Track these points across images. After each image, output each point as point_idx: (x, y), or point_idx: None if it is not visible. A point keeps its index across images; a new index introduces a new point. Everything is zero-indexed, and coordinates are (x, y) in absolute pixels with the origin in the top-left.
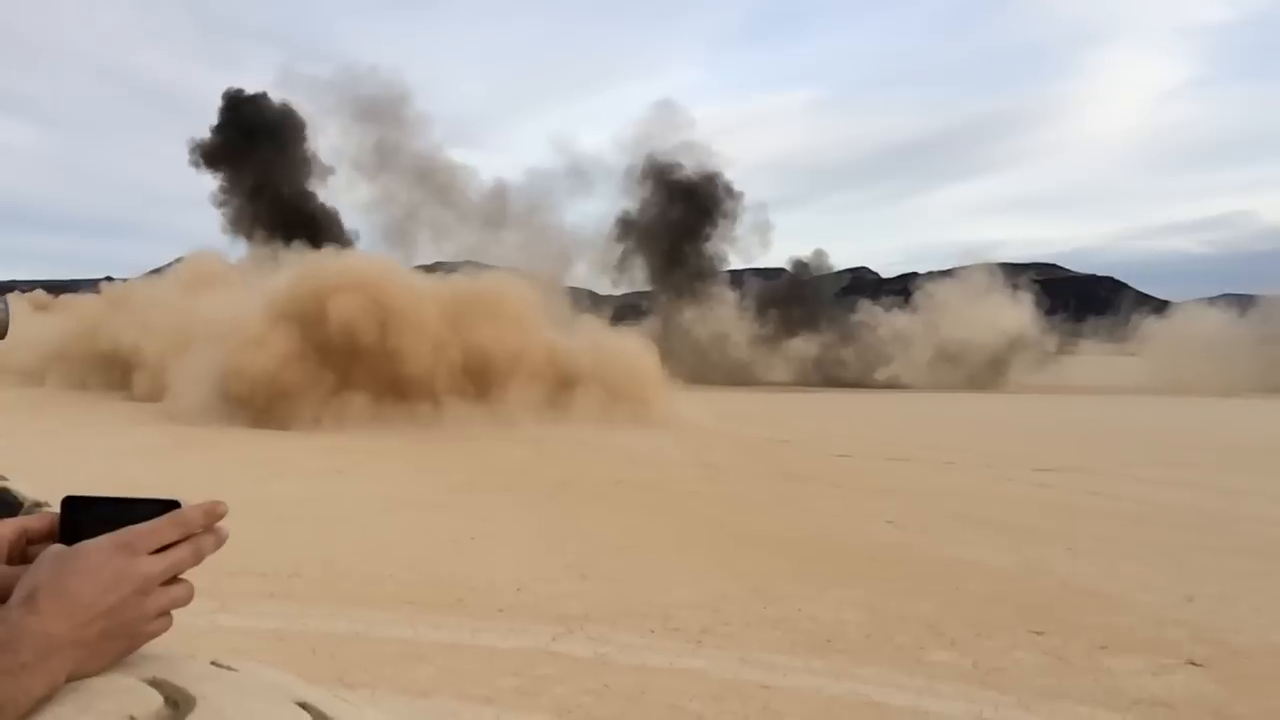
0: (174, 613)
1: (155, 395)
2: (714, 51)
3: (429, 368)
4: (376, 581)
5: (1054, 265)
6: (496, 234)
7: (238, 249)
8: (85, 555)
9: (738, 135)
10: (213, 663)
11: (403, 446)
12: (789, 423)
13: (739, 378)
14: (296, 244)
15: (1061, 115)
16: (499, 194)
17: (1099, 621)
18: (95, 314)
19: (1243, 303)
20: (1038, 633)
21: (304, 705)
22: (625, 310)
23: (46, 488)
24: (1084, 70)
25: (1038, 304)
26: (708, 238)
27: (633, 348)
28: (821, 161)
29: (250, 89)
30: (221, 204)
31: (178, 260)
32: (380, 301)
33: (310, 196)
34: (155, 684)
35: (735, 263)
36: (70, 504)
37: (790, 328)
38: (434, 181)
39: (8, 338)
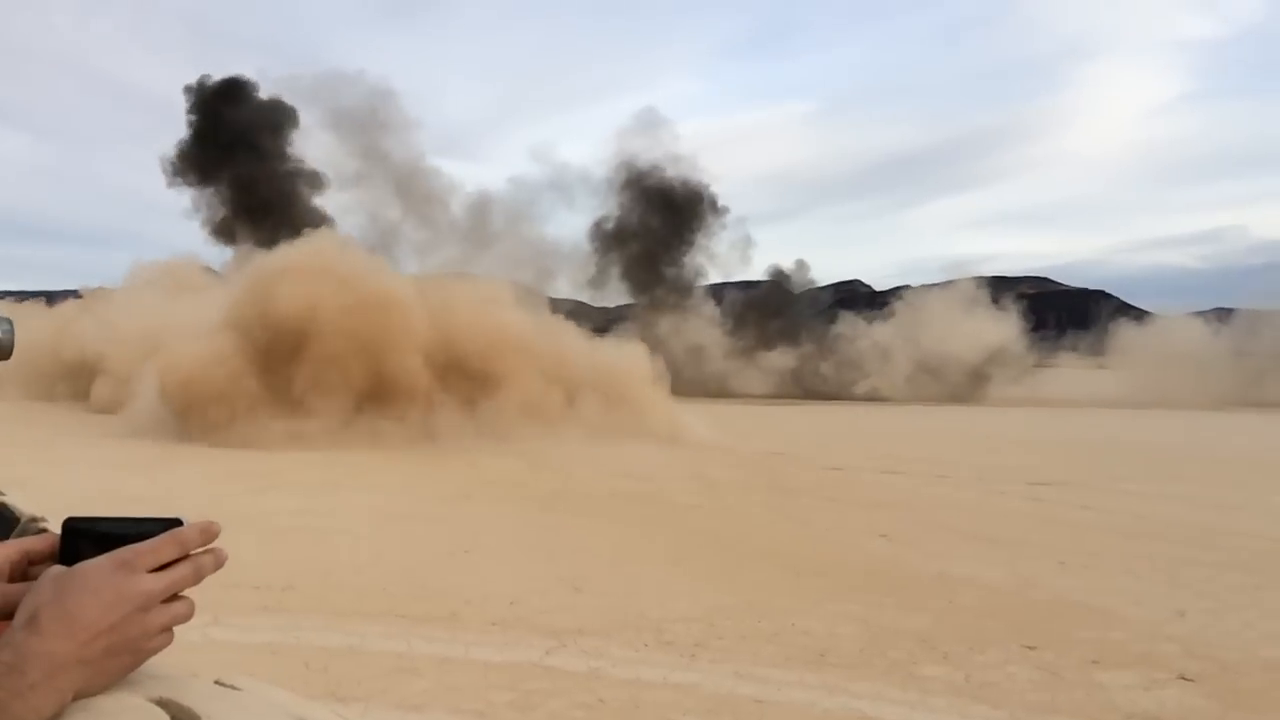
0: (174, 629)
1: (114, 407)
2: (711, 64)
3: (409, 369)
4: (370, 595)
5: (1046, 279)
6: (477, 246)
7: (226, 255)
8: (86, 575)
9: (734, 147)
10: (217, 682)
11: (388, 460)
12: (778, 436)
13: (715, 390)
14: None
15: (1054, 129)
16: (481, 205)
17: (1091, 636)
18: (62, 322)
19: (1232, 317)
20: (1030, 647)
21: None
22: (612, 322)
23: (44, 502)
24: (1076, 84)
25: (1024, 317)
26: (687, 248)
27: (627, 358)
28: (815, 174)
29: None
30: (203, 214)
31: (150, 265)
32: (348, 290)
33: (296, 197)
34: (162, 704)
35: (715, 276)
36: (71, 525)
37: (768, 339)
38: (414, 192)
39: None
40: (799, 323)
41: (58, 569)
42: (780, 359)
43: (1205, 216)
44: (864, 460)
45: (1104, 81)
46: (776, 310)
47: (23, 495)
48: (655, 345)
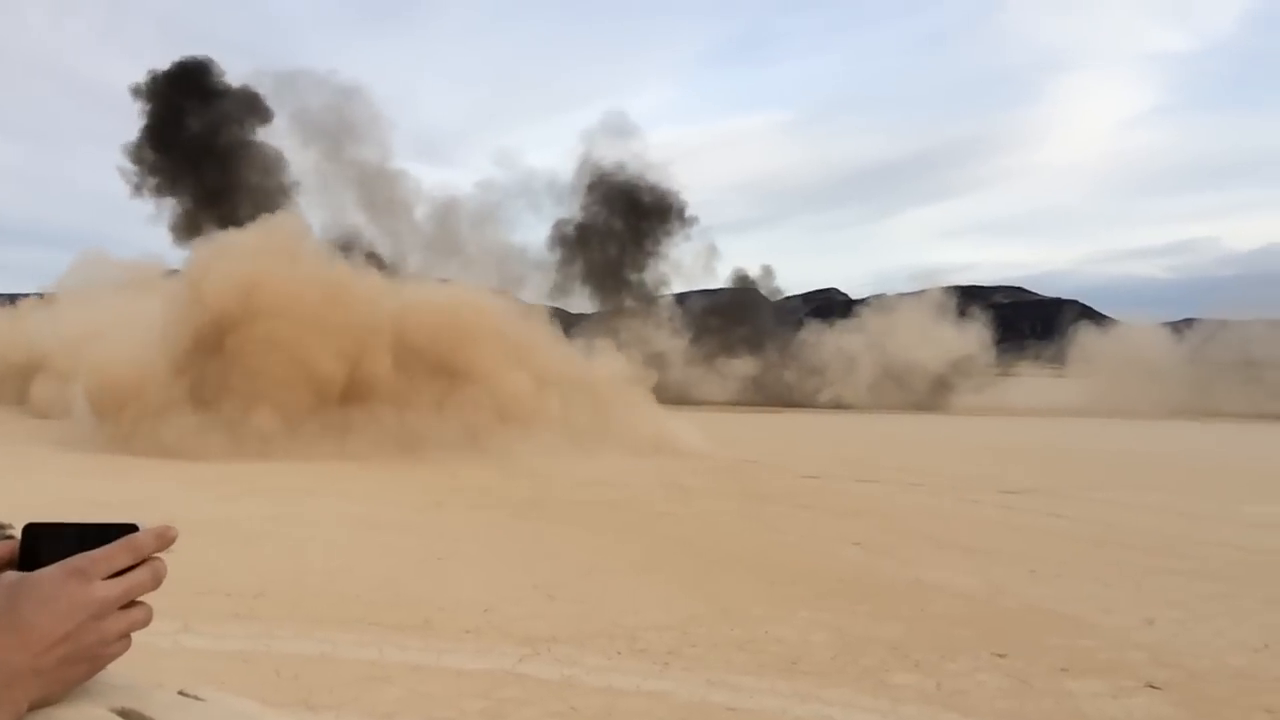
0: (138, 634)
1: (52, 410)
2: (690, 72)
3: (370, 363)
4: (343, 602)
5: (1020, 289)
6: (441, 252)
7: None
8: (38, 584)
9: (712, 155)
10: (180, 692)
11: (360, 466)
12: (747, 443)
13: (675, 397)
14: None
15: (1030, 140)
16: (446, 210)
17: (1061, 644)
18: (15, 322)
19: (1191, 327)
20: (1000, 655)
21: None
22: (570, 329)
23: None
24: (1052, 96)
25: (994, 327)
26: (650, 255)
27: (606, 361)
28: (793, 183)
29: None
30: (168, 218)
31: (96, 261)
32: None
33: (269, 196)
34: (124, 714)
35: (679, 285)
36: (31, 531)
37: (730, 346)
38: (378, 195)
39: None
40: (763, 329)
41: (10, 577)
42: (742, 366)
43: (1177, 228)
44: (836, 468)
45: (1079, 93)
46: (740, 317)
47: None
48: (616, 351)
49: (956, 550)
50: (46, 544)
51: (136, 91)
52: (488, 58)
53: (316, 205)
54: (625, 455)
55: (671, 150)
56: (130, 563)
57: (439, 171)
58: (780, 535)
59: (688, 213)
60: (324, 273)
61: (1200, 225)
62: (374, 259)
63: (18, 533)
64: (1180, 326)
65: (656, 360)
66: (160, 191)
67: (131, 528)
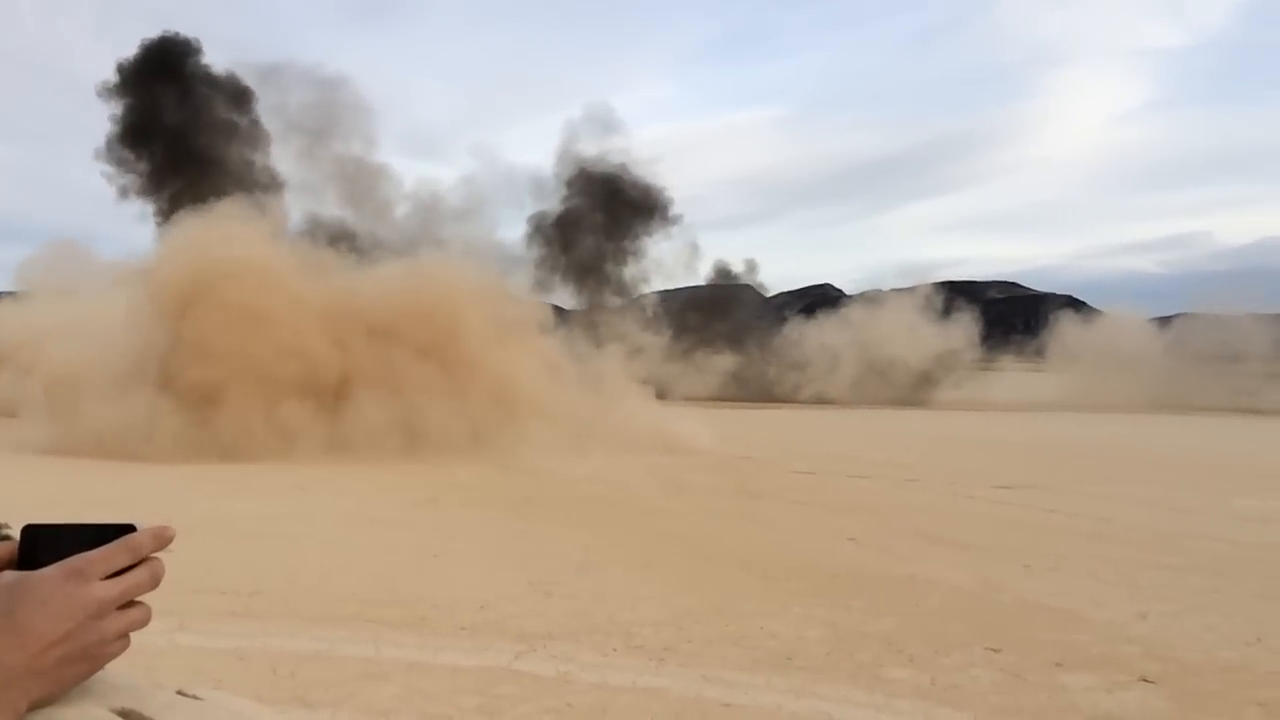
0: (135, 633)
1: (13, 409)
2: (681, 69)
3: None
4: (338, 599)
5: (1014, 284)
6: (421, 245)
7: None
8: (35, 585)
9: (704, 151)
10: (179, 692)
11: (354, 464)
12: (736, 439)
13: (653, 393)
14: None
15: (1022, 135)
16: (429, 204)
17: (1054, 638)
18: None
19: (1173, 321)
20: (994, 650)
21: None
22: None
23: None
24: (1045, 91)
25: (983, 322)
26: (631, 249)
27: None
28: (787, 179)
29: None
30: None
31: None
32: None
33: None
34: (124, 714)
35: (660, 283)
36: (29, 532)
37: (711, 341)
38: (358, 189)
39: None
40: (745, 324)
41: (9, 576)
42: (722, 361)
43: (1170, 223)
44: (829, 463)
45: (1072, 88)
46: (722, 312)
47: None
48: (596, 347)
49: (950, 545)
50: (45, 544)
51: (109, 90)
52: (481, 55)
53: (298, 197)
54: (619, 451)
55: (664, 146)
56: (128, 563)
57: (434, 168)
58: (774, 531)
59: (672, 210)
60: (285, 257)
61: (1193, 220)
62: (352, 249)
63: (15, 533)
64: (1173, 321)
65: (635, 356)
66: (143, 193)
67: (129, 528)
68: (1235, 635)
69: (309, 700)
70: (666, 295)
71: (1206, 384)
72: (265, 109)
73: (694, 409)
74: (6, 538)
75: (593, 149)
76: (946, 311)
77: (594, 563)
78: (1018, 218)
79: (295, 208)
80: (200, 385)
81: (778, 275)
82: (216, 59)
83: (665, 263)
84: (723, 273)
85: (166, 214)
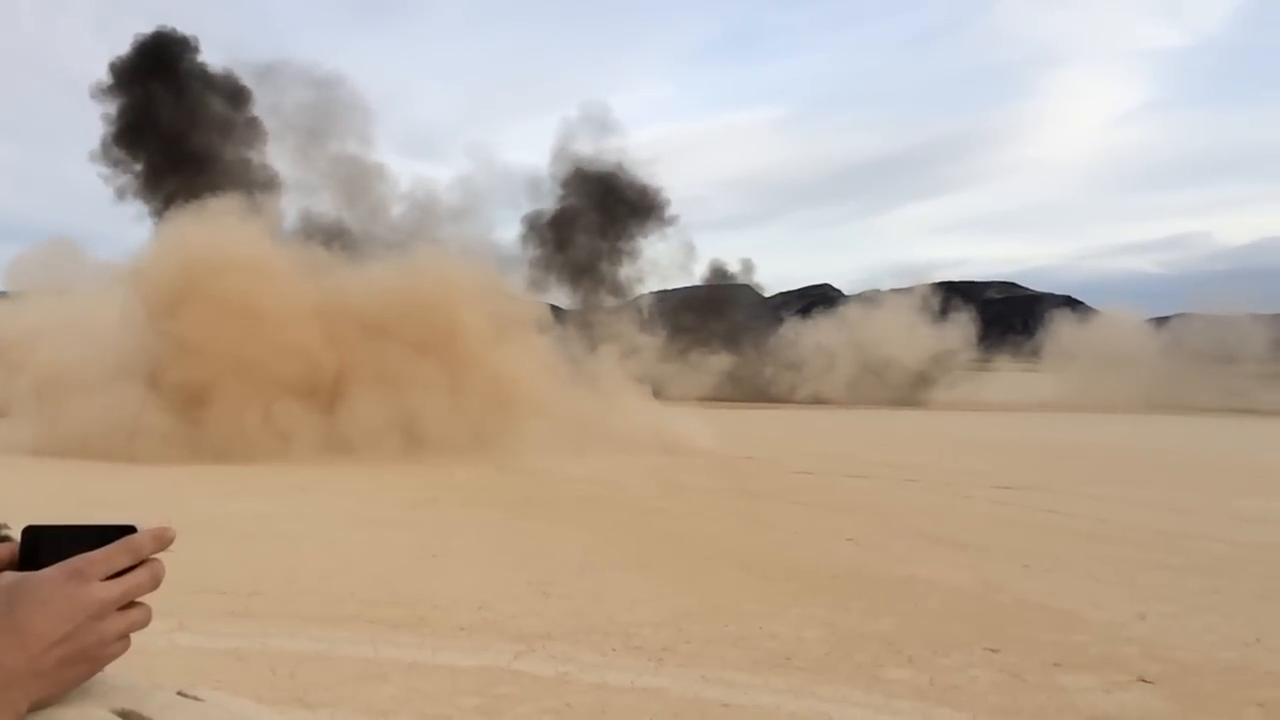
0: (135, 634)
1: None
2: (681, 69)
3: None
4: (337, 599)
5: (1013, 284)
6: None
7: None
8: (35, 586)
9: (704, 151)
10: (179, 692)
11: (353, 464)
12: (738, 439)
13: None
14: None
15: (1021, 136)
16: (426, 204)
17: (1053, 639)
18: None
19: (1169, 322)
20: (993, 650)
21: None
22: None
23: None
24: (1044, 92)
25: (981, 322)
26: (626, 249)
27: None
28: (787, 179)
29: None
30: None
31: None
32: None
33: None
34: (124, 715)
35: (655, 283)
36: (30, 533)
37: (706, 341)
38: (354, 188)
39: None
40: (740, 324)
41: (9, 577)
42: (718, 361)
43: (1169, 223)
44: (828, 463)
45: (1071, 89)
46: (718, 311)
47: None
48: (590, 347)
49: (949, 546)
50: (46, 545)
51: (104, 91)
52: (481, 54)
53: (294, 196)
54: (618, 452)
55: (664, 146)
56: (129, 564)
57: (434, 168)
58: (773, 531)
59: (668, 211)
60: (277, 255)
61: (1192, 220)
62: (344, 248)
63: (14, 534)
64: (1171, 321)
65: (630, 355)
66: (140, 193)
67: (130, 529)
68: (1234, 635)
69: (308, 701)
70: (663, 295)
71: (1202, 384)
72: (261, 108)
73: (690, 409)
74: (6, 538)
75: (589, 148)
76: (943, 312)
77: (593, 563)
78: (1017, 218)
79: (291, 207)
80: (188, 384)
81: (777, 276)
82: (214, 59)
83: (661, 263)
84: (718, 272)
85: (163, 214)
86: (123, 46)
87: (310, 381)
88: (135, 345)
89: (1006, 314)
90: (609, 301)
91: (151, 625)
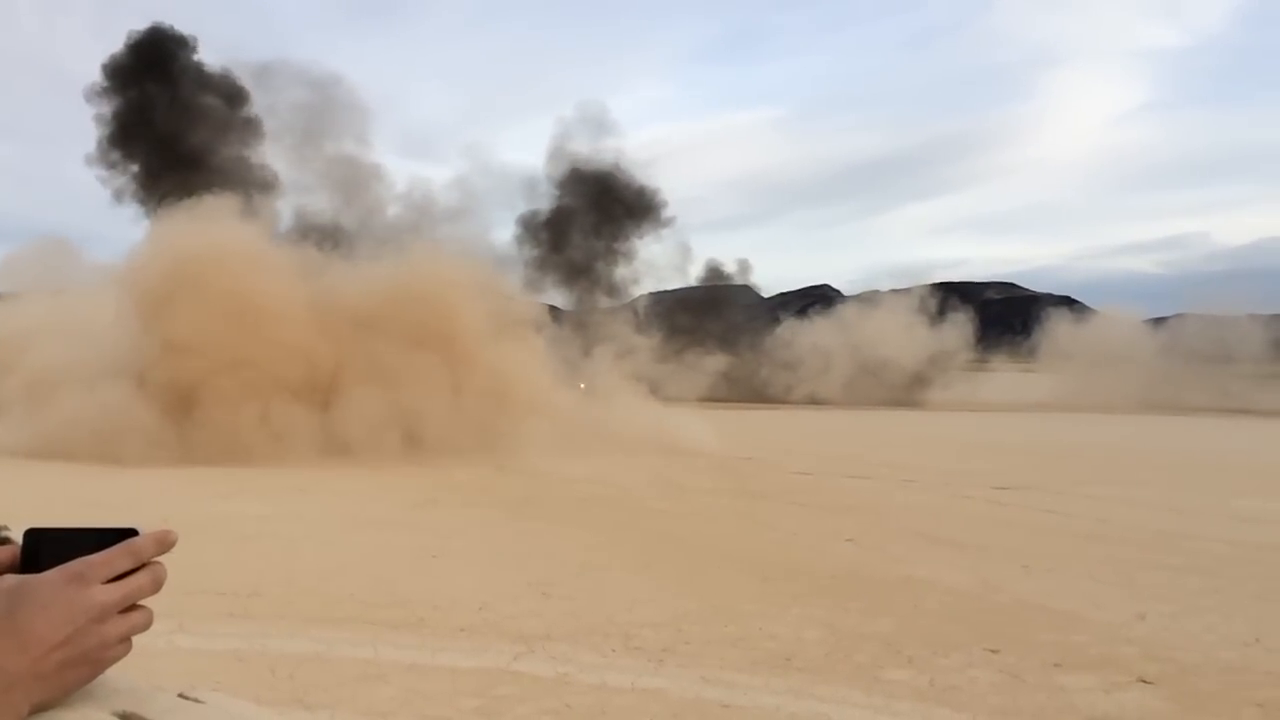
0: (136, 636)
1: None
2: (681, 69)
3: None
4: (337, 601)
5: (1013, 284)
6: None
7: None
8: (37, 588)
9: (704, 152)
10: (180, 695)
11: (352, 465)
12: (736, 440)
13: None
14: None
15: (1021, 136)
16: (421, 206)
17: (1053, 639)
18: None
19: (1167, 322)
20: (993, 650)
21: None
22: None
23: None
24: (1044, 92)
25: (980, 323)
26: (622, 250)
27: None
28: (787, 179)
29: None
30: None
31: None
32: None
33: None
34: (124, 718)
35: (650, 284)
36: (32, 535)
37: (702, 341)
38: (349, 186)
39: None
40: (737, 325)
41: (10, 580)
42: (714, 362)
43: (1168, 223)
44: (827, 464)
45: (1070, 90)
46: (714, 311)
47: None
48: (586, 348)
49: (949, 546)
50: (48, 548)
51: (98, 92)
52: (480, 55)
53: (290, 197)
54: (618, 452)
55: (663, 147)
56: (130, 567)
57: (434, 169)
58: (773, 532)
59: (665, 212)
60: (269, 252)
61: (1191, 220)
62: (337, 247)
63: (15, 536)
64: (1168, 322)
65: (626, 356)
66: (138, 195)
67: (131, 532)
68: (1234, 636)
69: (308, 702)
70: (660, 296)
71: (1198, 385)
72: (258, 108)
73: (688, 410)
74: (7, 541)
75: (585, 148)
76: (941, 312)
77: (593, 564)
78: (1016, 218)
79: (287, 207)
80: (176, 383)
81: (777, 276)
82: (213, 59)
83: (657, 264)
84: (715, 272)
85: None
86: (121, 47)
87: (305, 379)
88: (129, 345)
89: (1006, 314)
90: (605, 302)
91: (152, 626)
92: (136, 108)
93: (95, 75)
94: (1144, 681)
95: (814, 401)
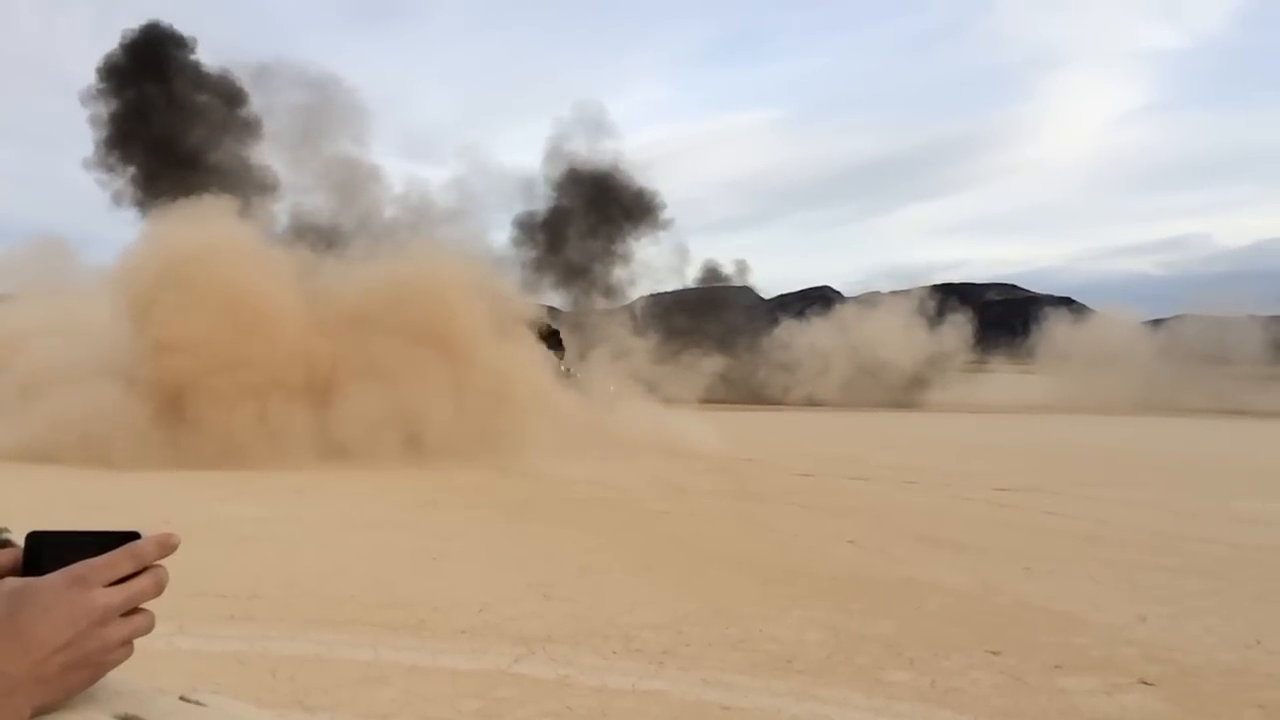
0: (137, 639)
1: None
2: (680, 71)
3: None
4: (337, 602)
5: (1014, 286)
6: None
7: None
8: (38, 592)
9: (703, 153)
10: (182, 697)
11: (351, 467)
12: (737, 441)
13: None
14: None
15: (1021, 138)
16: (418, 207)
17: (1054, 641)
18: None
19: (1165, 323)
20: (994, 652)
21: None
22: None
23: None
24: (1042, 94)
25: (981, 324)
26: (619, 252)
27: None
28: (787, 180)
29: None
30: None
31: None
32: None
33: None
34: None
35: (648, 285)
36: (34, 538)
37: (700, 342)
38: (346, 188)
39: None
40: (735, 326)
41: (11, 583)
42: (711, 363)
43: (1169, 225)
44: (828, 465)
45: (1071, 91)
46: (711, 312)
47: None
48: (583, 350)
49: (950, 548)
50: (50, 551)
51: (94, 95)
52: (480, 57)
53: (287, 197)
54: (618, 454)
55: (663, 149)
56: (132, 570)
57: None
58: (774, 534)
59: (663, 215)
60: (262, 250)
61: (1192, 222)
62: (331, 246)
63: (15, 538)
64: (1168, 323)
65: (622, 357)
66: (136, 198)
67: (134, 535)
68: (1235, 637)
69: (308, 704)
70: (658, 298)
71: (1194, 386)
72: (256, 109)
73: (687, 410)
74: (8, 543)
75: (583, 149)
76: (940, 313)
77: (594, 565)
78: (1017, 220)
79: (284, 209)
80: (165, 382)
81: (777, 278)
82: (212, 60)
83: (654, 266)
84: (712, 273)
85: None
86: (116, 47)
87: (301, 378)
88: (124, 346)
89: (1007, 316)
90: (602, 304)
91: (153, 629)
92: (134, 109)
93: (93, 77)
94: (1145, 683)
95: (812, 403)
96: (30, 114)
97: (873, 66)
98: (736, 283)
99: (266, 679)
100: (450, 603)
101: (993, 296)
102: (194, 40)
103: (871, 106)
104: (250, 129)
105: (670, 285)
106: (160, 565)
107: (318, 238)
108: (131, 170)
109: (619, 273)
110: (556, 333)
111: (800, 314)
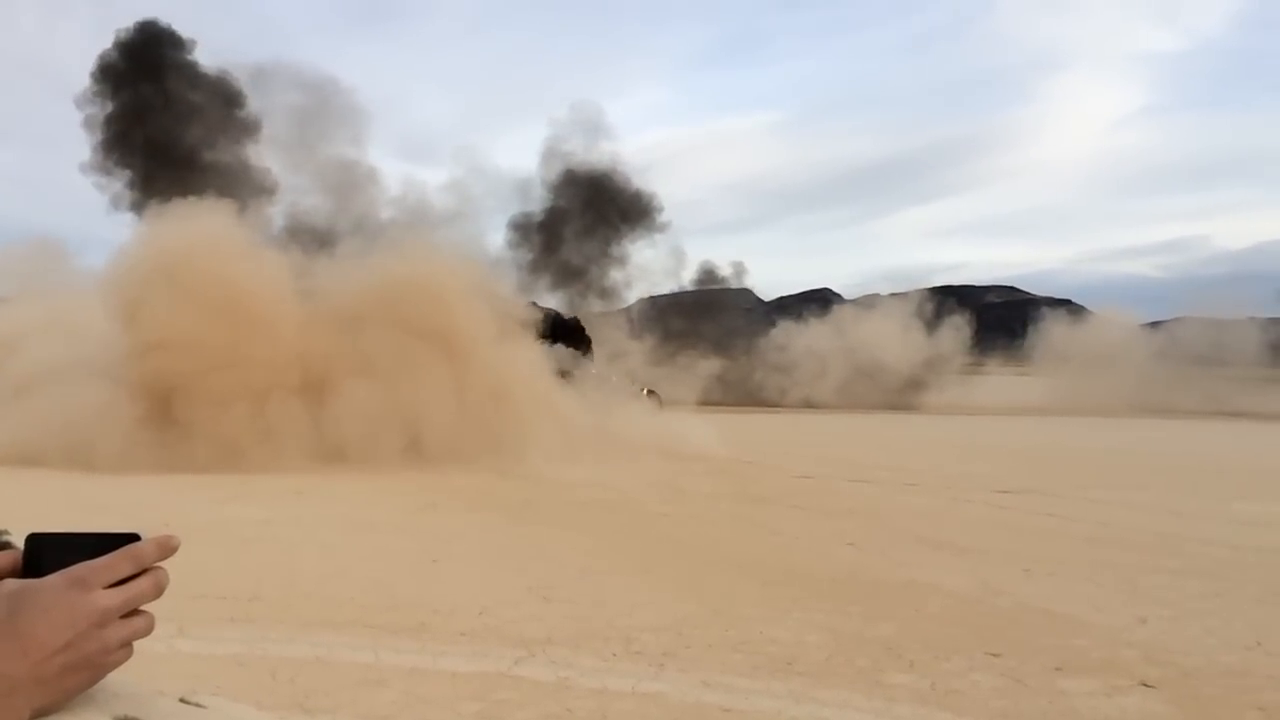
0: (137, 641)
1: None
2: (679, 74)
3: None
4: (337, 605)
5: (1014, 288)
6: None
7: None
8: (38, 593)
9: (702, 155)
10: (182, 699)
11: (352, 469)
12: (736, 443)
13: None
14: None
15: (1021, 140)
16: (416, 209)
17: (1054, 643)
18: None
19: (1162, 326)
20: (994, 654)
21: None
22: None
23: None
24: (1042, 97)
25: (979, 327)
26: (616, 254)
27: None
28: (786, 183)
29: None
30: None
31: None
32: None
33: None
34: None
35: (644, 288)
36: (34, 540)
37: (696, 344)
38: (343, 189)
39: None
40: (732, 328)
41: (11, 584)
42: (708, 365)
43: (1169, 227)
44: (828, 468)
45: (1070, 93)
46: (709, 314)
47: None
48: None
49: (950, 550)
50: (49, 553)
51: (90, 97)
52: (480, 60)
53: (283, 199)
54: (618, 456)
55: (662, 151)
56: (132, 571)
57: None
58: (774, 536)
59: (660, 217)
60: (256, 249)
61: (1191, 224)
62: (324, 246)
63: (15, 540)
64: (1166, 324)
65: (618, 358)
66: (133, 201)
67: (134, 537)
68: (1235, 639)
69: (308, 706)
70: (655, 300)
71: (1193, 388)
72: (253, 110)
73: (685, 412)
74: (8, 545)
75: (580, 150)
76: (938, 316)
77: (594, 568)
78: (1016, 222)
79: (281, 210)
80: (156, 382)
81: (776, 280)
82: (209, 62)
83: (650, 269)
84: (709, 275)
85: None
86: (110, 46)
87: (297, 377)
88: (117, 347)
89: (1007, 318)
90: (598, 306)
91: (153, 631)
92: (130, 110)
93: (87, 80)
94: (1145, 685)
95: (809, 405)
96: (30, 115)
97: (872, 69)
98: (734, 285)
99: (266, 681)
100: (450, 605)
101: (993, 299)
102: (191, 41)
103: (871, 109)
104: (248, 130)
105: (667, 287)
106: (160, 567)
107: (313, 239)
108: (128, 173)
109: (615, 275)
110: (580, 327)
111: (799, 316)
